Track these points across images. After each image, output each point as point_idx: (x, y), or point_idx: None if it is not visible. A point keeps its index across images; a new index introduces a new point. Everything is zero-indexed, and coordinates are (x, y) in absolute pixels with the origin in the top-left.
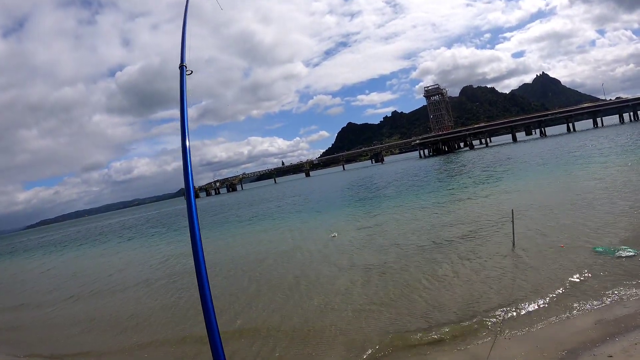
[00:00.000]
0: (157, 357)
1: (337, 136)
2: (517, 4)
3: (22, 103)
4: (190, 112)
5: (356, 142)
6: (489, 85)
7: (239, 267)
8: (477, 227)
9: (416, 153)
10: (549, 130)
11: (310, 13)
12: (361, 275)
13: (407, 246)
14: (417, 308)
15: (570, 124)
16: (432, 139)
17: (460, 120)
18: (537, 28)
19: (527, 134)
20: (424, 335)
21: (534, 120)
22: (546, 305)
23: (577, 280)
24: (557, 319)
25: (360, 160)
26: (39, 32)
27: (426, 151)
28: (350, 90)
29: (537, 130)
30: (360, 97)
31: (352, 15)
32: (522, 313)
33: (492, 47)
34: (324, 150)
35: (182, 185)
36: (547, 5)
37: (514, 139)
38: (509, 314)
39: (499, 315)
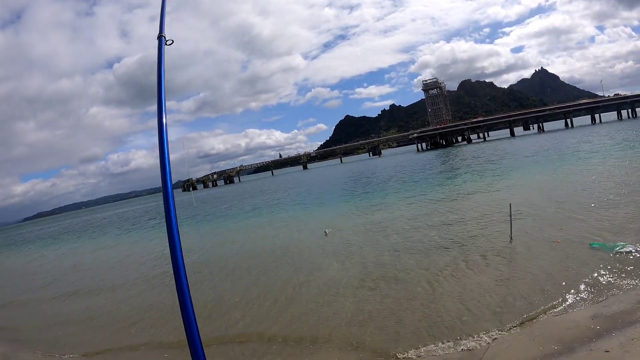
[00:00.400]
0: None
1: (335, 129)
2: None
3: (19, 96)
4: (188, 104)
5: (354, 135)
6: (487, 80)
7: (232, 264)
8: (474, 220)
9: (414, 146)
10: (547, 125)
11: (309, 5)
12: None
13: (405, 242)
14: (415, 305)
15: (569, 120)
16: (430, 132)
17: (458, 114)
18: (537, 23)
19: (525, 129)
20: (421, 330)
21: (532, 115)
22: (542, 300)
23: (574, 275)
24: (554, 314)
25: (358, 153)
26: (37, 24)
27: (424, 145)
28: (348, 83)
29: (535, 126)
30: (358, 90)
31: (351, 8)
32: (518, 307)
33: (491, 42)
34: (322, 143)
35: (180, 178)
36: (546, 0)
37: (512, 134)
38: (505, 309)
39: (495, 310)
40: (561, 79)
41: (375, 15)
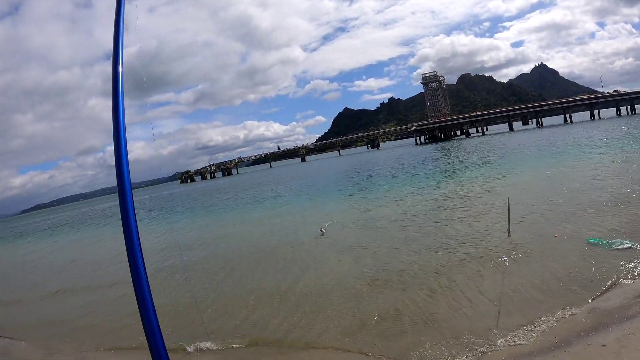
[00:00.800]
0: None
1: (333, 121)
2: None
3: (17, 88)
4: (186, 95)
5: (352, 127)
6: (487, 74)
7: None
8: (473, 215)
9: (412, 140)
10: (546, 120)
11: None
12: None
13: (403, 236)
14: (415, 305)
15: (567, 115)
16: (429, 126)
17: (457, 108)
18: (537, 18)
19: (523, 124)
20: (419, 327)
21: (531, 110)
22: (539, 295)
23: (571, 270)
24: (551, 308)
25: (356, 146)
26: (35, 16)
27: (422, 138)
28: (347, 76)
29: (534, 121)
30: (357, 82)
31: (351, 0)
32: (515, 301)
33: (492, 36)
34: (320, 135)
35: (177, 169)
36: None
37: (511, 129)
38: (502, 303)
39: (492, 304)
40: (561, 74)
41: (375, 8)
